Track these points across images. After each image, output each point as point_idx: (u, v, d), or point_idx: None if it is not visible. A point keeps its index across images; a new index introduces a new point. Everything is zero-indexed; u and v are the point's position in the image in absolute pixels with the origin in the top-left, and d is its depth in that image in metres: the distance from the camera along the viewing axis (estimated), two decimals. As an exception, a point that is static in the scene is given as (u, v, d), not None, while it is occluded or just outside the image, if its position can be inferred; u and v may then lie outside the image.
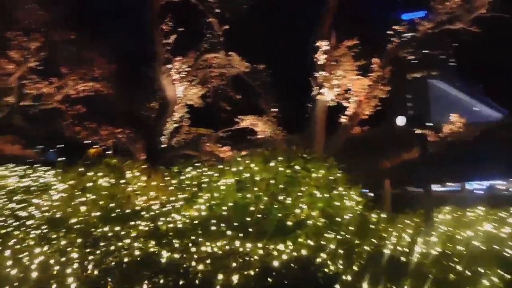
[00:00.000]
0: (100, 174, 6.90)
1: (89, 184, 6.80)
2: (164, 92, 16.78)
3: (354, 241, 5.97)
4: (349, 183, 7.61)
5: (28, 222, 6.48)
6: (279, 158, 6.89)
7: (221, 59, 19.33)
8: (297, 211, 6.34)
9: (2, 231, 6.15)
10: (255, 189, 6.45)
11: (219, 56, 19.28)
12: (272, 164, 6.74)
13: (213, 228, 5.95)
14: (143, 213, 6.62)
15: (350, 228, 6.52)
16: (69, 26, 23.34)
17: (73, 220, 6.23)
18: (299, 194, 6.62)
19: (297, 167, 6.78)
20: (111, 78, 24.78)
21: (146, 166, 7.54)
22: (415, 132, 10.47)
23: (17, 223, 6.49)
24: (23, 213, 6.82)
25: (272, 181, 6.59)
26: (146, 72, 18.92)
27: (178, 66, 17.09)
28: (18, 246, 5.47)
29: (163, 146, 17.05)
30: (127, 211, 6.57)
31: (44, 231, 6.10)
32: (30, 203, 7.36)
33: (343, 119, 12.98)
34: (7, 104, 25.35)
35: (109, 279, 4.54)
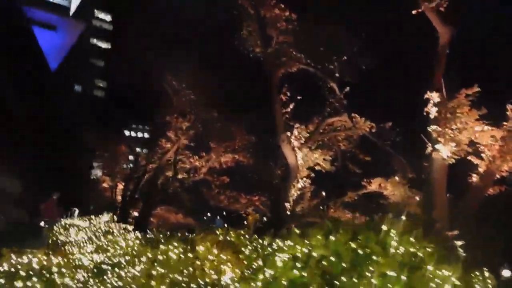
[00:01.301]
0: (171, 247, 7.17)
1: (160, 257, 7.10)
2: (285, 159, 17.08)
3: None
4: (466, 263, 6.20)
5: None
6: (341, 230, 6.10)
7: (346, 122, 18.99)
8: (362, 295, 5.39)
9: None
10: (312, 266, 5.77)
11: (342, 119, 18.99)
12: (332, 237, 5.99)
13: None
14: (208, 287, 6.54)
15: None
16: (214, 105, 26.38)
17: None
18: (367, 274, 5.66)
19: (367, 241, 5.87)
20: (250, 149, 26.59)
21: (221, 238, 7.54)
22: None
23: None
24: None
25: (332, 258, 5.81)
26: (273, 141, 19.72)
27: (297, 133, 17.33)
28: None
29: (287, 213, 17.01)
30: (193, 285, 6.57)
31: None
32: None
33: (474, 179, 11.04)
34: (167, 177, 29.29)
35: None
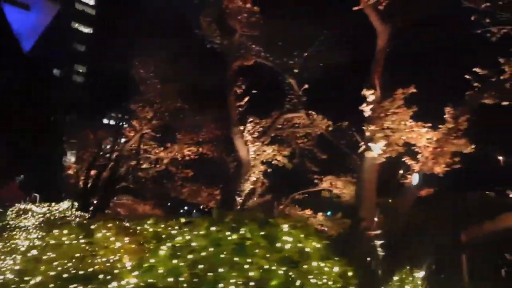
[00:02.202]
0: (65, 232, 6.96)
1: (52, 242, 6.89)
2: (237, 152, 16.92)
3: None
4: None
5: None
6: (226, 221, 5.96)
7: (304, 119, 18.89)
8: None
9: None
10: (189, 256, 5.61)
11: (300, 116, 18.88)
12: (213, 228, 5.85)
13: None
14: (100, 276, 6.33)
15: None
16: (182, 96, 25.99)
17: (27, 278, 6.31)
18: (246, 267, 5.53)
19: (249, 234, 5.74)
20: (214, 142, 26.31)
21: (121, 225, 7.34)
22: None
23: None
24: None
25: (211, 249, 5.67)
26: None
27: (251, 127, 17.18)
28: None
29: (237, 208, 16.88)
30: (81, 272, 6.38)
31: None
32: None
33: (407, 180, 11.02)
34: (131, 167, 28.89)
35: None
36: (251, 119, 17.24)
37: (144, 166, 27.86)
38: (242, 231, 5.83)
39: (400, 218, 11.03)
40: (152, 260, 5.81)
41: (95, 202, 30.23)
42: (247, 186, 17.86)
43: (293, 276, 5.62)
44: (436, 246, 10.84)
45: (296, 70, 18.19)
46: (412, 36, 12.72)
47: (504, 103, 11.25)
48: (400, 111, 10.55)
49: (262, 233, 5.94)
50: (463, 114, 11.29)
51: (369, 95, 10.67)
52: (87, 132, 36.18)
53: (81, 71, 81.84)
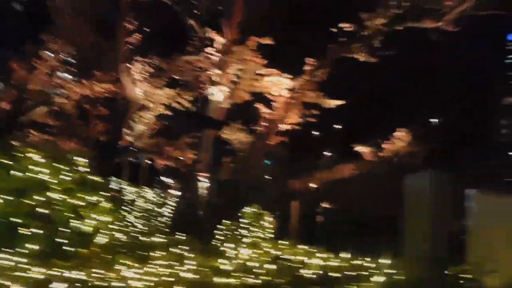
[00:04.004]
0: None
1: None
2: (124, 90, 16.45)
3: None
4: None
5: None
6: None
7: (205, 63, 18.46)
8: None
9: None
10: None
11: (201, 60, 18.44)
12: None
13: None
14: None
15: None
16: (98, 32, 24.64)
17: None
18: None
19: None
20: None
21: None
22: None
23: None
24: None
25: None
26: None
27: (141, 66, 16.65)
28: None
29: (119, 146, 16.66)
30: None
31: None
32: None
33: (259, 126, 11.14)
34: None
35: None
36: (140, 58, 16.66)
37: (57, 100, 26.78)
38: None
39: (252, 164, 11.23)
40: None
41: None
42: (139, 127, 17.57)
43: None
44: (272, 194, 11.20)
45: (196, 12, 17.52)
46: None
47: (362, 58, 11.41)
48: (250, 59, 10.44)
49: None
50: (323, 67, 11.38)
51: (218, 39, 10.43)
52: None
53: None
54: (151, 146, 17.48)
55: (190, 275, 5.22)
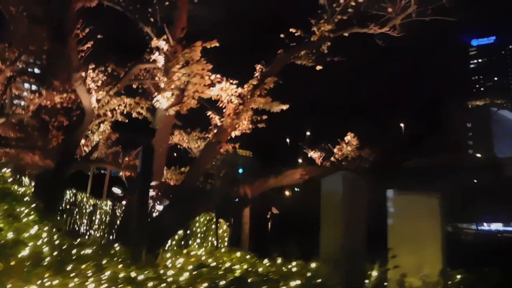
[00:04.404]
0: None
1: None
2: (79, 100, 16.13)
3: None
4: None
5: None
6: None
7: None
8: None
9: None
10: None
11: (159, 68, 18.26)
12: None
13: None
14: None
15: None
16: (50, 39, 24.08)
17: None
18: None
19: None
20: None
21: None
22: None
23: None
24: None
25: None
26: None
27: (95, 74, 16.34)
28: None
29: (76, 156, 16.28)
30: None
31: None
32: None
33: (210, 134, 11.13)
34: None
35: None
36: (93, 66, 16.36)
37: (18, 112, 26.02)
38: None
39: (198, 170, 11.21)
40: None
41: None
42: (95, 137, 17.23)
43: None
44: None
45: (151, 19, 17.37)
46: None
47: (309, 65, 11.52)
48: (195, 63, 10.42)
49: None
50: (272, 73, 11.45)
51: (163, 44, 10.40)
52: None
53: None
54: (108, 156, 17.17)
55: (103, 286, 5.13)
